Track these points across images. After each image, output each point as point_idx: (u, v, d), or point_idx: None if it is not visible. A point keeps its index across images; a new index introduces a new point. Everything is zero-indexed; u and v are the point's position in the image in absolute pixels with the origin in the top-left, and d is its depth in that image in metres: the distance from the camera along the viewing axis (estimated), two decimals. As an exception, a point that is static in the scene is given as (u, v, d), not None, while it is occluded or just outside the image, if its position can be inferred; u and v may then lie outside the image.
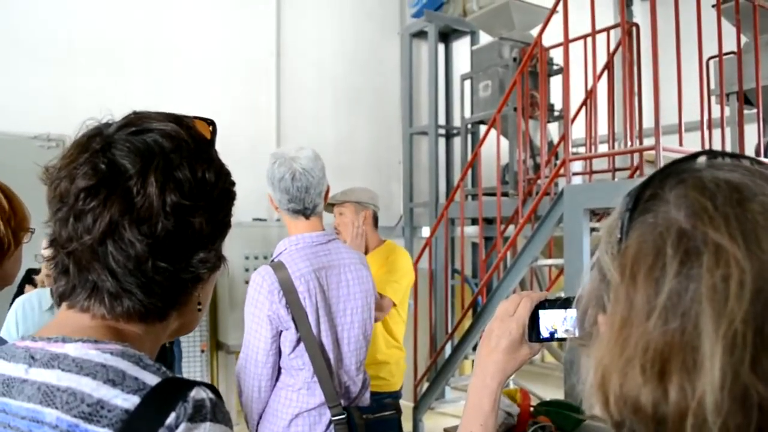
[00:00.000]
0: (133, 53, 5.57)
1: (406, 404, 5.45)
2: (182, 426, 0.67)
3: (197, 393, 0.70)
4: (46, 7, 5.21)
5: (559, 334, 1.02)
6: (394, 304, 3.05)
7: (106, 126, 0.79)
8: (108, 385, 0.69)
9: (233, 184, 0.87)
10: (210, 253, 0.81)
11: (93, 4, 5.43)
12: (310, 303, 2.01)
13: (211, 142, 0.86)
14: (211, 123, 0.87)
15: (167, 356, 4.11)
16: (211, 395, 0.71)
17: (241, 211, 5.91)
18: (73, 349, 0.72)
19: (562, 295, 1.06)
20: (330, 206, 3.24)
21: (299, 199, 2.08)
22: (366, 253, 3.17)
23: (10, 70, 5.02)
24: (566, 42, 4.02)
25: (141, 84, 5.56)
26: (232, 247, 5.54)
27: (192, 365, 5.50)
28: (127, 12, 5.56)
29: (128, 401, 0.68)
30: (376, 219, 3.27)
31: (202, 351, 5.55)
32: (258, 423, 2.12)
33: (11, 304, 3.00)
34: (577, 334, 0.72)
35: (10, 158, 4.97)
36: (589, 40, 4.23)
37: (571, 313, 1.00)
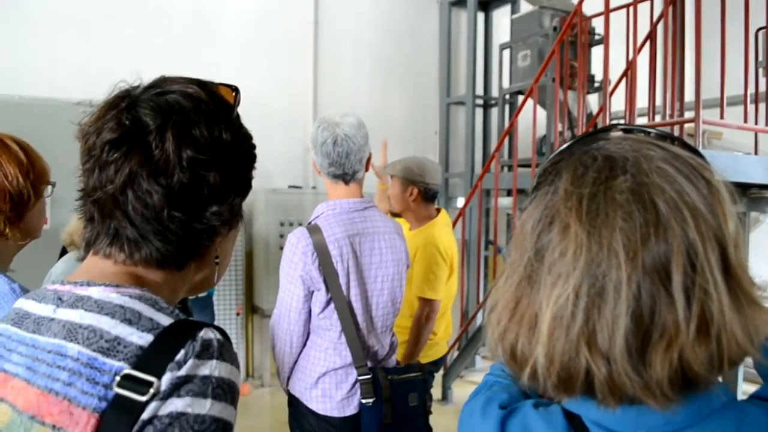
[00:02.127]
0: (175, 22, 5.66)
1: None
2: (190, 362, 0.71)
3: (206, 333, 0.74)
4: (89, -26, 5.31)
5: None
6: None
7: (135, 88, 0.85)
8: (125, 324, 0.74)
9: (253, 146, 0.91)
10: (224, 207, 0.85)
11: (135, -28, 5.50)
12: (342, 267, 2.07)
13: (233, 106, 0.90)
14: (234, 89, 0.92)
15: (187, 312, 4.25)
16: (219, 336, 0.76)
17: (276, 179, 6.02)
18: (96, 292, 0.78)
19: None
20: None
21: (339, 164, 2.12)
22: (413, 224, 3.13)
23: (55, 37, 5.15)
24: (607, 11, 3.94)
25: (182, 53, 5.65)
26: (267, 213, 5.65)
27: (227, 327, 5.65)
28: (170, -20, 5.62)
29: (143, 339, 0.73)
30: (427, 193, 3.08)
31: (238, 314, 5.70)
32: (289, 378, 2.20)
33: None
34: None
35: (55, 124, 5.11)
36: (632, 9, 4.14)
37: None
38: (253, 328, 5.88)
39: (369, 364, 2.16)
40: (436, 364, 3.31)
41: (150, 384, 0.69)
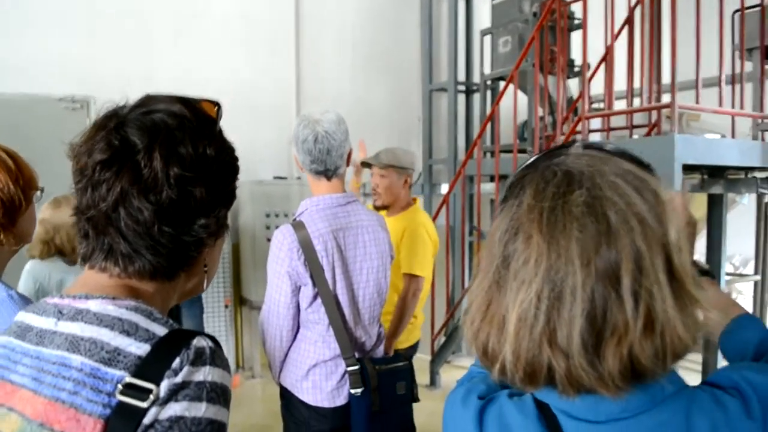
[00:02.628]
0: (157, 17, 5.62)
1: (423, 357, 5.61)
2: (185, 369, 0.77)
3: (198, 341, 0.80)
4: (67, -31, 5.26)
5: None
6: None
7: (122, 108, 0.89)
8: (123, 335, 0.79)
9: (235, 159, 0.96)
10: (211, 220, 0.90)
11: (114, -35, 5.46)
12: (327, 261, 2.11)
13: (216, 121, 0.95)
14: (216, 104, 0.97)
15: (176, 313, 4.30)
16: (210, 344, 0.82)
17: (262, 170, 6.04)
18: (94, 305, 0.83)
19: None
20: (368, 164, 3.31)
21: (321, 160, 2.16)
22: (395, 211, 3.29)
23: (36, 33, 5.11)
24: (584, -3, 3.98)
25: (164, 47, 5.64)
26: (253, 204, 5.67)
27: (216, 320, 5.69)
28: (148, -27, 5.59)
29: (141, 348, 0.78)
30: (412, 181, 3.38)
31: (226, 306, 5.73)
32: (280, 371, 2.25)
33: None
34: None
35: (37, 119, 5.11)
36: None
37: None
38: (242, 319, 5.92)
39: (357, 355, 2.21)
40: (414, 348, 3.40)
41: (150, 391, 0.75)
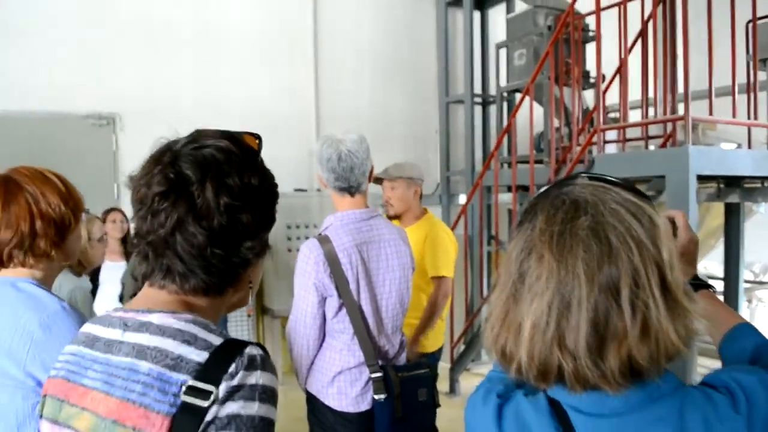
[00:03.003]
0: (178, 34, 5.79)
1: (443, 365, 5.68)
2: (240, 373, 0.88)
3: (251, 350, 0.91)
4: (94, -10, 5.44)
5: None
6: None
7: (174, 143, 1.00)
8: (185, 345, 0.90)
9: (275, 186, 1.07)
10: (256, 242, 1.01)
11: (138, -15, 5.63)
12: (352, 273, 2.21)
13: (257, 152, 1.06)
14: (257, 137, 1.08)
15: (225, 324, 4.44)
16: (261, 352, 0.93)
17: (282, 182, 6.17)
18: (156, 318, 0.94)
19: None
20: (378, 180, 3.45)
21: (344, 178, 2.28)
22: (409, 221, 3.45)
23: (62, 53, 5.29)
24: (598, 10, 4.07)
25: (185, 63, 5.80)
26: (287, 217, 5.77)
27: (239, 328, 5.81)
28: (171, -8, 5.76)
29: (200, 356, 0.89)
30: (421, 191, 3.55)
31: (249, 315, 5.85)
32: (307, 377, 2.35)
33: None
34: None
35: (64, 136, 5.30)
36: (623, 7, 4.26)
37: None
38: (264, 328, 6.03)
39: (380, 362, 2.31)
40: (440, 352, 3.53)
41: (210, 392, 0.86)
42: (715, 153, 3.85)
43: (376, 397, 2.24)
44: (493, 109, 6.75)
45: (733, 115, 3.96)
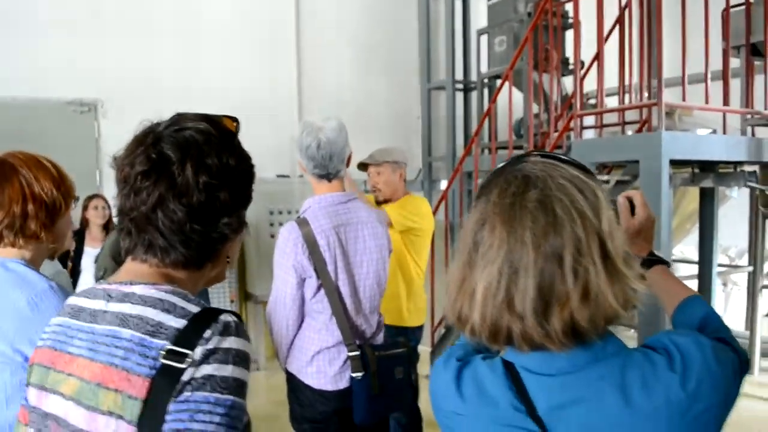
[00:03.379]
0: (160, 18, 5.78)
1: (424, 349, 5.76)
2: (215, 338, 0.94)
3: (225, 317, 0.98)
4: (74, -26, 5.41)
5: None
6: (391, 225, 3.35)
7: (157, 125, 1.06)
8: (165, 313, 0.97)
9: (252, 166, 1.13)
10: (233, 219, 1.07)
11: (119, -30, 5.61)
12: (330, 255, 2.27)
13: (235, 134, 1.13)
14: (235, 120, 1.15)
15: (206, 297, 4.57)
16: (235, 319, 1.00)
17: (264, 168, 6.17)
18: (139, 290, 1.01)
19: None
20: (364, 166, 3.50)
21: (323, 165, 2.33)
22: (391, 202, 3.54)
23: (44, 39, 5.27)
24: (575, -2, 4.12)
25: (168, 49, 5.79)
26: (256, 202, 5.70)
27: (223, 314, 5.85)
28: (152, -23, 5.73)
29: (179, 323, 0.96)
30: (405, 175, 3.65)
31: (232, 301, 5.90)
32: (287, 357, 2.41)
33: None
34: None
35: (47, 122, 5.29)
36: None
37: None
38: (247, 314, 6.08)
39: (358, 341, 2.37)
40: (421, 329, 3.68)
41: (187, 355, 0.92)
42: (687, 138, 3.93)
43: (353, 375, 2.31)
44: (474, 96, 6.81)
45: (706, 101, 4.04)
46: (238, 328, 0.98)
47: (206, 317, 0.96)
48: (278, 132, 6.04)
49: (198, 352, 0.93)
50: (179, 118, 1.07)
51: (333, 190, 2.37)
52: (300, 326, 2.37)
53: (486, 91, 6.44)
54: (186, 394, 0.90)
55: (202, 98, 5.81)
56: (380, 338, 2.51)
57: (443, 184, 6.69)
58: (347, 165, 2.41)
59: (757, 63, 4.68)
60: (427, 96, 6.93)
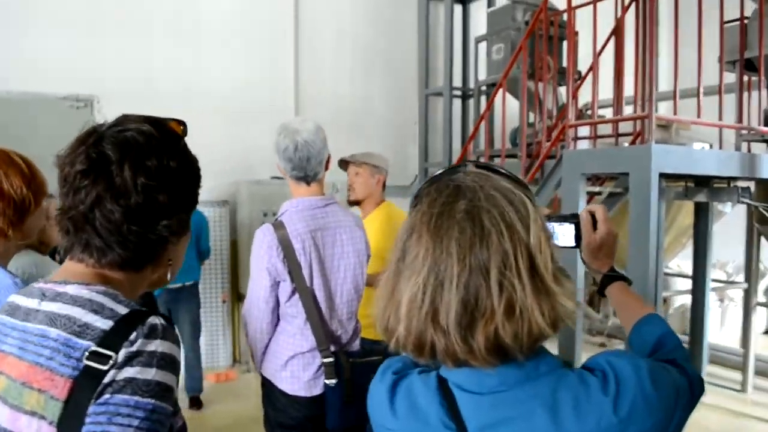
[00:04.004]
0: (158, 16, 5.78)
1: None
2: (140, 341, 0.94)
3: (153, 319, 0.97)
4: (73, -29, 5.41)
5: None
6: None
7: (100, 126, 1.05)
8: (92, 313, 0.96)
9: (197, 170, 1.12)
10: (173, 221, 1.05)
11: (118, -32, 5.61)
12: (305, 259, 2.26)
13: (181, 137, 1.11)
14: (182, 123, 1.13)
15: (153, 300, 4.48)
16: (163, 322, 0.98)
17: (259, 170, 6.16)
18: (72, 289, 1.01)
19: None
20: (344, 163, 3.48)
21: (301, 167, 2.32)
22: (368, 208, 3.49)
23: (40, 33, 5.27)
24: (570, 8, 4.12)
25: (165, 46, 5.79)
26: (251, 203, 5.82)
27: (214, 315, 5.85)
28: (151, -25, 5.74)
29: (105, 324, 0.95)
30: (384, 182, 3.59)
31: (224, 301, 5.90)
32: (261, 361, 2.40)
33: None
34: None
35: (42, 117, 5.28)
36: (599, 5, 4.30)
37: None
38: (239, 315, 6.07)
39: (333, 347, 2.35)
40: None
41: (110, 357, 0.92)
42: (678, 152, 3.91)
43: (326, 381, 2.29)
44: (472, 103, 6.81)
45: (698, 115, 4.02)
46: (166, 331, 0.97)
47: (133, 319, 0.95)
48: (274, 135, 6.01)
49: (121, 354, 0.92)
50: (123, 119, 1.06)
51: (311, 193, 2.36)
52: (275, 330, 2.36)
53: (483, 99, 6.43)
54: (106, 396, 0.90)
55: (198, 97, 5.83)
56: (356, 345, 2.49)
57: (438, 191, 6.66)
58: (326, 168, 2.40)
59: (753, 78, 4.66)
60: (425, 102, 6.92)
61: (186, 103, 5.81)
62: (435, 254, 0.86)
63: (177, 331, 1.03)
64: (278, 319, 2.35)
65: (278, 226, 2.26)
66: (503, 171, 0.96)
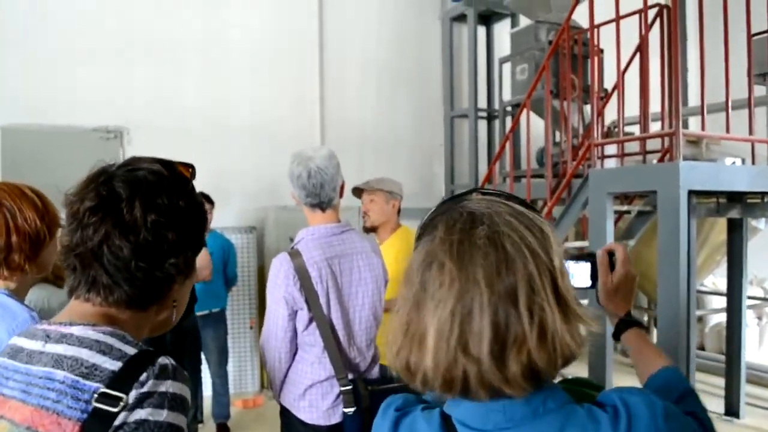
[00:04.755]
0: (186, 48, 5.90)
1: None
2: (150, 382, 0.92)
3: (162, 360, 0.96)
4: (102, 4, 5.56)
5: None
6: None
7: (110, 166, 1.06)
8: (100, 354, 0.95)
9: (204, 212, 1.13)
10: (180, 260, 1.05)
11: (148, 1, 5.75)
12: (322, 287, 2.24)
13: (189, 180, 1.12)
14: (190, 166, 1.15)
15: (196, 336, 4.55)
16: (173, 362, 0.97)
17: (285, 196, 6.18)
18: (77, 330, 0.99)
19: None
20: (358, 191, 3.48)
21: (315, 194, 2.32)
22: (385, 234, 3.48)
23: (70, 66, 5.41)
24: (592, 26, 4.08)
25: (193, 78, 5.90)
26: (278, 229, 5.84)
27: (241, 341, 5.86)
28: (181, 8, 5.87)
29: (114, 365, 0.94)
30: (399, 207, 3.57)
31: (251, 327, 5.90)
32: (280, 390, 2.38)
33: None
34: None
35: (73, 150, 5.40)
36: (623, 22, 4.25)
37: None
38: (267, 340, 6.06)
39: (351, 375, 2.32)
40: None
41: (120, 399, 0.90)
42: (707, 168, 3.82)
43: (345, 410, 2.26)
44: (497, 124, 6.78)
45: (727, 130, 3.93)
46: (176, 371, 0.96)
47: (143, 360, 0.94)
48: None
49: (132, 395, 0.91)
50: (133, 160, 1.08)
51: (327, 220, 2.35)
52: (293, 359, 2.34)
53: (508, 119, 6.40)
54: None
55: (226, 126, 5.91)
56: (375, 372, 2.46)
57: (465, 212, 6.61)
58: (341, 194, 2.39)
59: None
60: (450, 124, 6.92)
61: (214, 131, 5.91)
62: (461, 282, 0.82)
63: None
64: (296, 348, 2.33)
65: (294, 255, 2.25)
66: (513, 196, 0.94)
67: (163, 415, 0.91)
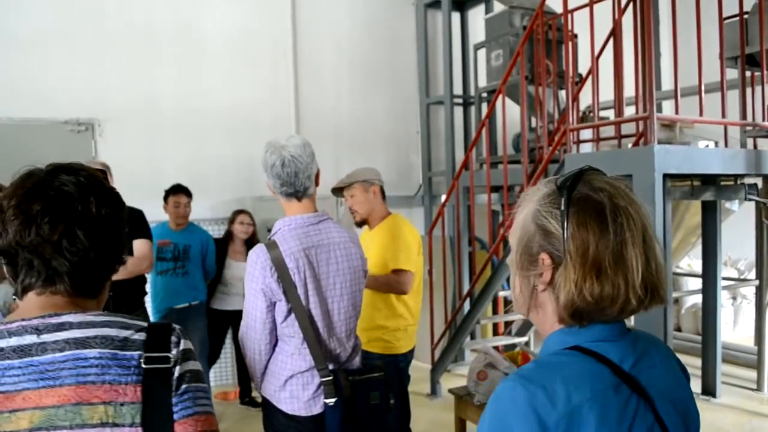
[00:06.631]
0: (160, 39, 5.80)
1: (424, 366, 5.69)
2: (182, 341, 1.11)
3: (174, 326, 1.13)
4: (71, -4, 5.44)
5: None
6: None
7: (38, 169, 1.13)
8: (125, 330, 1.07)
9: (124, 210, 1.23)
10: (125, 249, 1.20)
11: (116, -9, 5.64)
12: (299, 278, 2.22)
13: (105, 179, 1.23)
14: (102, 170, 1.23)
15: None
16: (180, 327, 1.15)
17: (263, 186, 6.11)
18: (72, 318, 1.05)
19: None
20: (339, 191, 3.46)
21: (290, 183, 2.29)
22: (375, 223, 3.46)
23: (40, 57, 5.30)
24: (566, 11, 4.08)
25: (165, 68, 5.80)
26: (267, 220, 5.78)
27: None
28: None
29: (140, 336, 1.08)
30: (383, 192, 3.52)
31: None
32: (261, 382, 2.36)
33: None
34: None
35: (43, 142, 5.30)
36: (596, 6, 4.26)
37: None
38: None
39: (332, 366, 2.31)
40: (412, 353, 3.50)
41: (168, 357, 1.07)
42: (681, 151, 3.86)
43: (326, 400, 2.25)
44: (473, 110, 6.78)
45: (701, 113, 3.97)
46: (185, 333, 1.14)
47: (160, 328, 1.11)
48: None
49: (174, 353, 1.09)
50: (57, 166, 1.14)
51: (304, 210, 2.33)
52: (273, 350, 2.32)
53: (484, 105, 6.41)
54: (185, 385, 1.07)
55: (199, 117, 5.83)
56: (356, 362, 2.45)
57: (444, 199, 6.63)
58: (317, 183, 2.37)
59: (757, 74, 4.60)
60: (426, 111, 6.90)
61: (188, 123, 5.83)
62: (642, 216, 1.04)
63: None
64: (276, 340, 2.32)
65: (271, 246, 2.22)
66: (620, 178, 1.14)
67: (197, 365, 1.13)
